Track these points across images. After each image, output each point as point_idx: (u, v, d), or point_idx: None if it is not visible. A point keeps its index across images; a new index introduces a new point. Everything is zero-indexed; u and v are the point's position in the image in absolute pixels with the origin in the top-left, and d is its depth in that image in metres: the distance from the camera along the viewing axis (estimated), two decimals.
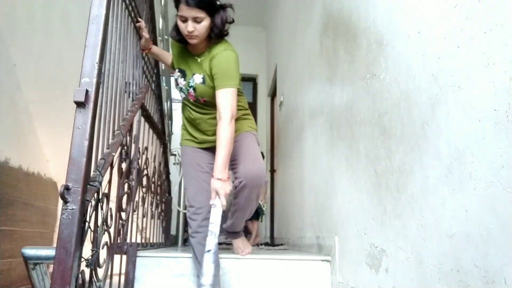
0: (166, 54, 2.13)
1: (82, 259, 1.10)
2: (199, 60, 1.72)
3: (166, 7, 3.42)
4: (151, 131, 2.51)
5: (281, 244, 3.49)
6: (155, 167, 2.58)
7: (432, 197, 1.05)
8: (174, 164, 3.62)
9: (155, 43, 2.58)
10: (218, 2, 1.62)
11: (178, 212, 3.70)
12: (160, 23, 3.18)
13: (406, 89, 1.22)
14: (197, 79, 1.72)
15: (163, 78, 3.34)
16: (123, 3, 1.65)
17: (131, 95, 1.90)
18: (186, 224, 4.23)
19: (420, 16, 1.15)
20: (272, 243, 4.29)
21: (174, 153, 3.60)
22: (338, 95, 1.92)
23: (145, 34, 1.94)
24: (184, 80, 1.77)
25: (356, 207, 1.63)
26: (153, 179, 2.50)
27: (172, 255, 1.92)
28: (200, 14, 1.55)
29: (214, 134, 1.76)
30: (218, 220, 1.52)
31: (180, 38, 1.69)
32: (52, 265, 1.01)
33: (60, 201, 1.04)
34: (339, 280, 1.79)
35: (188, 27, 1.56)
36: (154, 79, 2.58)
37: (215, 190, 1.55)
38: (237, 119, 1.77)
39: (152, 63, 2.52)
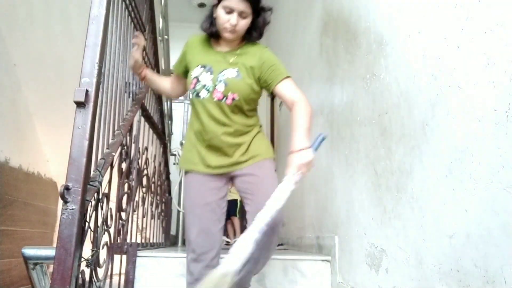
0: (159, 77, 1.87)
1: (82, 259, 1.10)
2: (231, 59, 1.57)
3: (166, 7, 3.42)
4: (151, 131, 2.51)
5: (281, 244, 3.49)
6: (155, 167, 2.58)
7: (432, 197, 1.05)
8: (174, 164, 3.61)
9: (155, 43, 2.58)
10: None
11: (178, 212, 3.70)
12: (160, 23, 3.18)
13: (406, 89, 1.22)
14: (230, 73, 1.54)
15: None
16: (123, 3, 1.65)
17: (131, 95, 1.90)
18: None
19: (420, 16, 1.15)
20: None
21: (174, 153, 3.60)
22: (338, 95, 1.92)
23: (137, 54, 1.66)
24: (212, 74, 1.55)
25: (356, 207, 1.63)
26: (153, 179, 2.50)
27: (172, 255, 1.92)
28: (248, 9, 1.48)
29: (234, 153, 1.55)
30: (283, 197, 1.28)
31: (214, 31, 1.57)
32: (52, 265, 1.01)
33: (60, 201, 1.04)
34: (339, 280, 1.79)
35: (231, 20, 1.48)
36: None
37: (288, 165, 1.32)
38: (254, 138, 1.60)
39: (152, 63, 2.52)
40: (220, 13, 1.49)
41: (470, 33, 0.91)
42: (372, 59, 1.48)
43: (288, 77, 1.51)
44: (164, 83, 1.79)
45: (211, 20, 1.57)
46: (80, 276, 1.08)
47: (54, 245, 1.03)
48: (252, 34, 1.57)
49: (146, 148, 2.29)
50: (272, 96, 5.16)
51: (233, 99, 1.53)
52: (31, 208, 3.49)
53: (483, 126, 0.85)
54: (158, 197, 2.69)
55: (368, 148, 1.51)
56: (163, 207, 2.94)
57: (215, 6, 1.52)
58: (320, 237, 2.16)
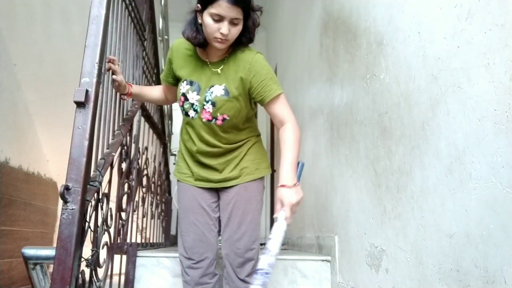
0: (148, 89, 1.74)
1: (82, 259, 1.10)
2: (219, 70, 1.44)
3: (166, 7, 3.42)
4: (151, 131, 2.51)
5: (281, 244, 3.49)
6: (155, 167, 2.58)
7: (432, 197, 1.05)
8: (174, 164, 3.61)
9: (155, 43, 2.58)
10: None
11: (178, 212, 3.70)
12: (160, 23, 3.18)
13: (406, 89, 1.22)
14: (217, 91, 1.42)
15: None
16: (123, 3, 1.65)
17: None
18: None
19: (420, 16, 1.15)
20: None
21: (174, 153, 3.60)
22: (338, 95, 1.92)
23: (118, 78, 1.49)
24: (198, 93, 1.44)
25: (356, 207, 1.63)
26: (153, 179, 2.50)
27: (172, 255, 1.92)
28: (240, 15, 1.32)
29: (224, 169, 1.51)
30: (279, 236, 1.24)
31: (201, 40, 1.40)
32: (52, 265, 1.01)
33: (60, 201, 1.04)
34: (339, 280, 1.79)
35: (222, 29, 1.30)
36: (154, 79, 2.58)
37: (280, 200, 1.28)
38: (248, 151, 1.54)
39: (152, 63, 2.52)
40: (208, 21, 1.32)
41: (470, 33, 0.91)
42: (372, 59, 1.48)
43: (278, 93, 1.41)
44: (156, 94, 1.68)
45: (196, 27, 1.39)
46: (80, 276, 1.08)
47: (54, 245, 1.03)
48: (243, 40, 1.42)
49: (146, 148, 2.29)
50: None
51: (224, 119, 1.45)
52: (31, 208, 3.49)
53: (483, 126, 0.85)
54: (158, 197, 2.69)
55: (368, 148, 1.51)
56: (163, 207, 2.94)
57: (200, 12, 1.35)
58: (320, 237, 2.16)
